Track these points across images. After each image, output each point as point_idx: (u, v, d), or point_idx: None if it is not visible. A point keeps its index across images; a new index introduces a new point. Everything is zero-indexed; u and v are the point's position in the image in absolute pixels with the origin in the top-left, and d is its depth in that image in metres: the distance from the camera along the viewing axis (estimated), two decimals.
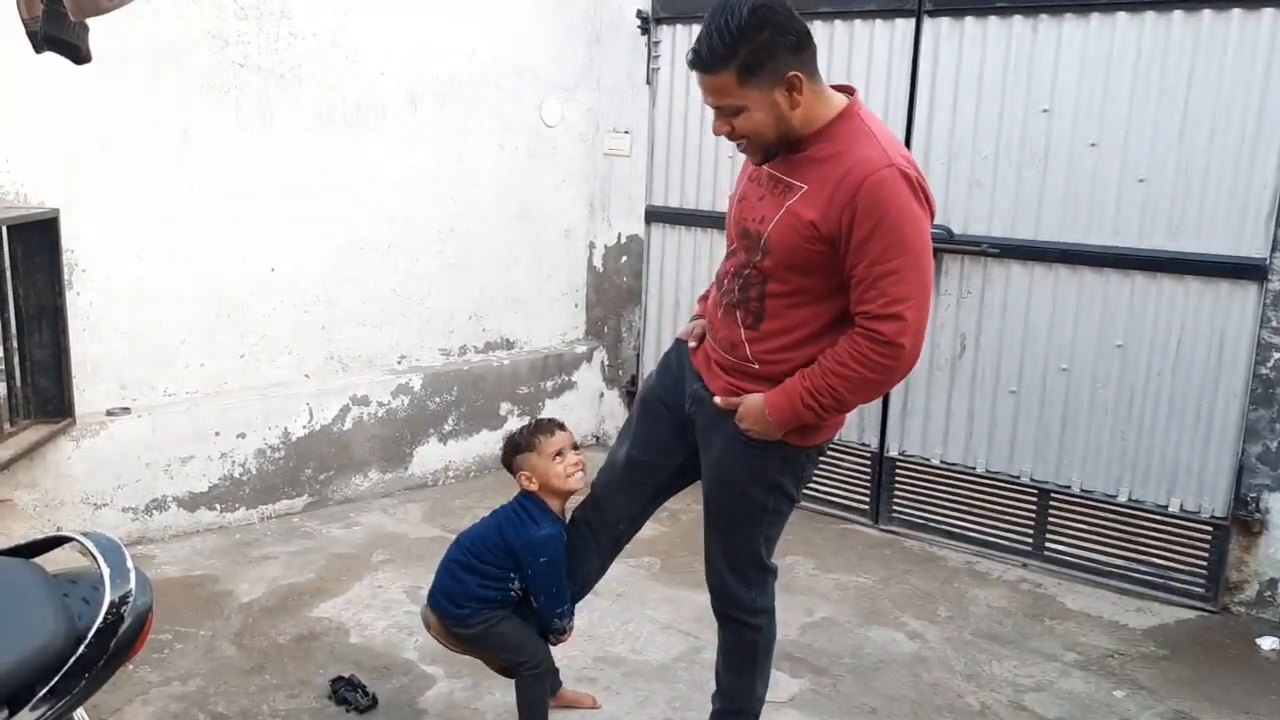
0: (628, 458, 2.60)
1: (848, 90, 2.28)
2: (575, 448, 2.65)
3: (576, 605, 2.71)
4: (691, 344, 2.53)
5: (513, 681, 2.69)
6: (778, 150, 2.23)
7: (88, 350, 3.75)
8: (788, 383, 2.26)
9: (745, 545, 2.47)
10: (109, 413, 3.81)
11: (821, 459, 2.56)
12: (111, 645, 1.56)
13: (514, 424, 5.07)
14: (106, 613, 1.56)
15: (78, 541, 1.66)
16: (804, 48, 2.15)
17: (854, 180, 2.11)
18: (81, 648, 1.53)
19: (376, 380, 4.56)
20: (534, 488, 2.61)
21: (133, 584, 1.61)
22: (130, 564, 1.63)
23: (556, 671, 2.86)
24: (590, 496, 2.68)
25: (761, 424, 2.29)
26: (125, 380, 3.88)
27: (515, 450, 2.65)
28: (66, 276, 3.61)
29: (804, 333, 2.27)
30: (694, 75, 2.21)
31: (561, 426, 2.67)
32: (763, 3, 2.08)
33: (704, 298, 2.67)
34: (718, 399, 2.37)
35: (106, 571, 1.60)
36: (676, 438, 2.54)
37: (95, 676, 1.55)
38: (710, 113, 2.25)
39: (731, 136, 2.22)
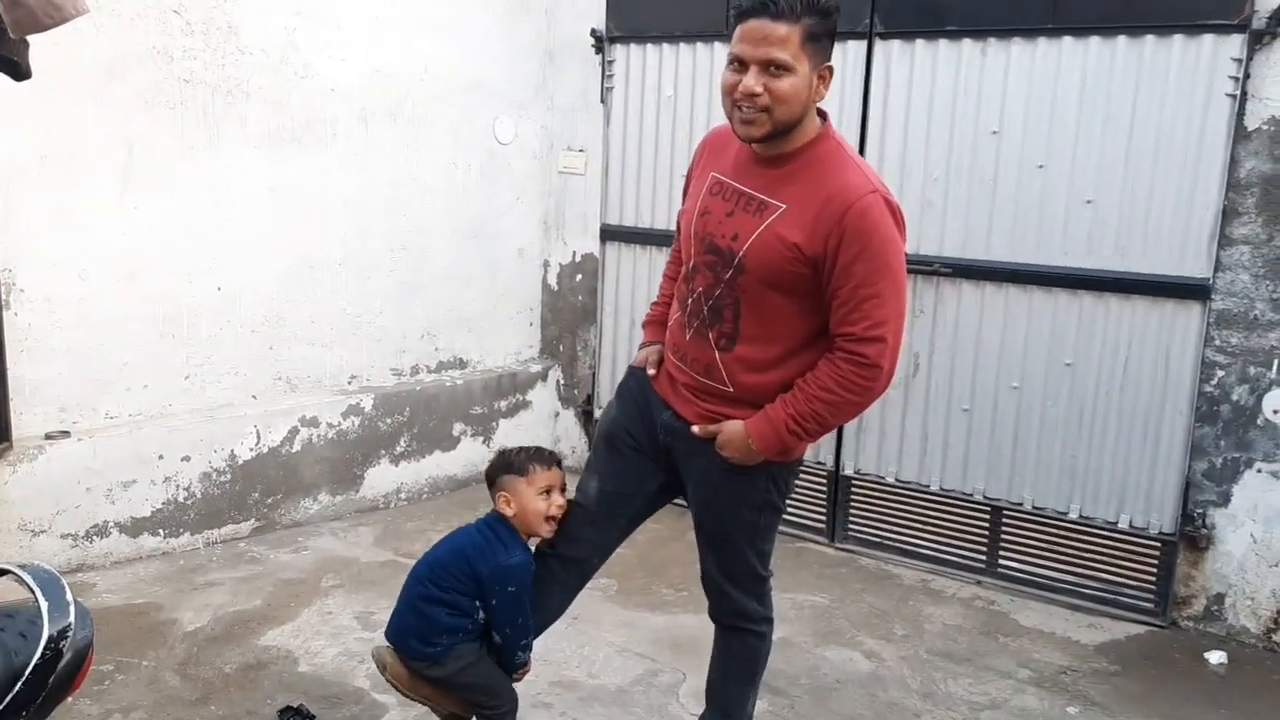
0: (600, 491, 2.54)
1: (821, 114, 2.29)
2: (564, 490, 2.55)
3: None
4: (651, 371, 2.50)
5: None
6: (778, 136, 2.19)
7: (25, 372, 3.64)
8: (770, 411, 2.25)
9: (741, 562, 2.48)
10: (47, 436, 3.70)
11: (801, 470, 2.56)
12: (50, 681, 1.50)
13: (467, 444, 5.04)
14: (45, 648, 1.50)
15: (14, 574, 1.60)
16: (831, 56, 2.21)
17: (841, 205, 2.13)
18: (19, 685, 1.47)
19: (326, 401, 4.48)
20: (511, 512, 2.51)
21: (72, 617, 1.55)
22: (69, 596, 1.58)
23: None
24: (559, 531, 2.58)
25: (744, 452, 2.28)
26: (65, 403, 3.77)
27: (506, 468, 2.53)
28: (4, 296, 3.51)
29: (778, 352, 2.27)
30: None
31: (559, 463, 2.57)
32: None
33: (648, 322, 2.64)
34: (695, 428, 2.35)
35: (44, 605, 1.54)
36: (647, 466, 2.51)
37: (33, 714, 1.50)
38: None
39: (755, 100, 2.13)
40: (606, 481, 2.54)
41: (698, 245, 2.34)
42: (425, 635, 2.48)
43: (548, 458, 2.56)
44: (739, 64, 2.15)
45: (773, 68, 2.11)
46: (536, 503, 2.49)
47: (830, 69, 2.19)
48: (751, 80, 2.12)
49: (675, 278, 2.57)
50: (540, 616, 2.59)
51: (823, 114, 2.28)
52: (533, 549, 2.58)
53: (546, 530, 2.52)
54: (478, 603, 2.48)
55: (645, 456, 2.50)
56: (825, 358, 2.22)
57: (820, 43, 2.14)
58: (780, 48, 2.10)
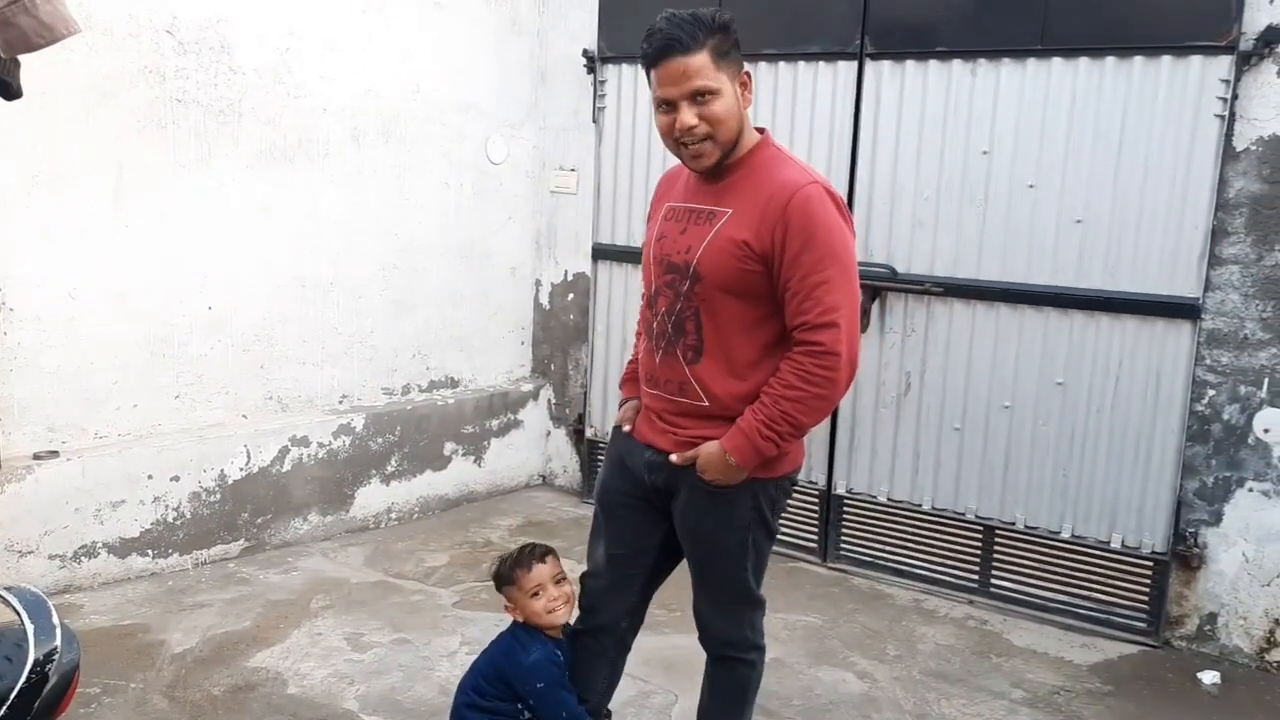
0: (608, 557, 2.54)
1: (758, 129, 2.37)
2: (559, 580, 2.56)
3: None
4: (626, 428, 2.51)
5: None
6: (725, 157, 2.26)
7: (15, 392, 3.62)
8: (741, 423, 2.25)
9: (732, 586, 2.45)
10: (36, 456, 3.67)
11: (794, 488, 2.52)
12: (36, 706, 1.48)
13: (459, 464, 5.02)
14: (30, 672, 1.48)
15: None
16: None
17: (782, 198, 2.19)
18: (3, 709, 1.45)
19: (317, 420, 4.47)
20: (519, 618, 2.57)
21: (58, 640, 1.53)
22: (55, 619, 1.56)
23: None
24: (582, 607, 2.60)
25: (724, 470, 2.27)
26: (54, 423, 3.75)
27: (499, 580, 2.60)
28: None
29: (745, 360, 2.28)
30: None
31: (543, 558, 2.58)
32: (715, 11, 2.23)
33: (625, 380, 2.64)
34: (673, 456, 2.34)
35: (30, 628, 1.52)
36: (644, 518, 2.49)
37: None
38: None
39: (695, 132, 2.21)
40: (610, 545, 2.55)
41: (657, 269, 2.39)
42: None
43: (527, 558, 2.57)
44: (667, 105, 2.22)
45: (700, 96, 2.19)
46: (530, 604, 2.54)
47: (747, 75, 2.26)
48: (686, 115, 2.21)
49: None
50: (592, 695, 2.60)
51: (760, 129, 2.36)
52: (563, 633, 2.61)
53: (554, 621, 2.54)
54: (519, 705, 2.52)
55: (641, 509, 2.49)
56: (786, 357, 2.24)
57: (730, 56, 2.22)
58: (701, 76, 2.18)
